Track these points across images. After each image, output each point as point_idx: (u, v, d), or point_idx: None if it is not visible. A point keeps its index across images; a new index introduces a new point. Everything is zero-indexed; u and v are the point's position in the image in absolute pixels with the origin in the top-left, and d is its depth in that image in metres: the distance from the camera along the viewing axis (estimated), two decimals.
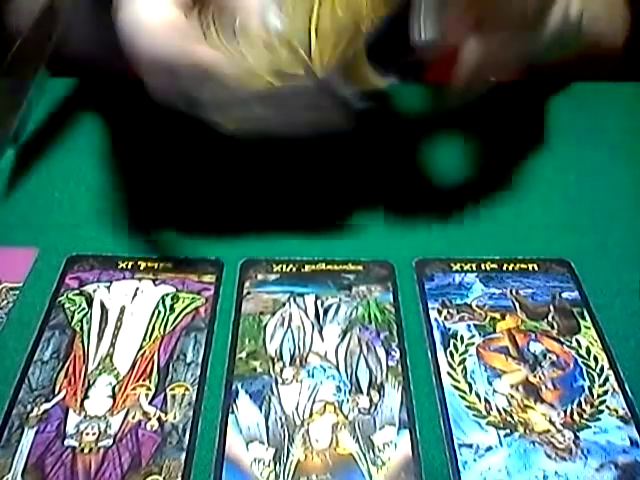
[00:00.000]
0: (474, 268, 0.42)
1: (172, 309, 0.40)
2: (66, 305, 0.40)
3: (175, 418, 0.34)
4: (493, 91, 0.57)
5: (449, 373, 0.37)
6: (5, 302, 0.40)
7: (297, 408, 0.35)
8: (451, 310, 0.40)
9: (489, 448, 0.33)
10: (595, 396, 0.36)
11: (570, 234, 0.45)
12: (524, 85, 0.58)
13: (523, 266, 0.43)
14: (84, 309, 0.40)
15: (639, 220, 0.47)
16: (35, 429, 0.34)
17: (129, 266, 0.42)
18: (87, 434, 0.34)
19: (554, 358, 0.37)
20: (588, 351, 0.38)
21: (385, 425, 0.34)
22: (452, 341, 0.38)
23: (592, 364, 0.37)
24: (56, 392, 0.35)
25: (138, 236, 0.44)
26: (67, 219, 0.46)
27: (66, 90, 0.58)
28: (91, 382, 0.36)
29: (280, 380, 0.36)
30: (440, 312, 0.40)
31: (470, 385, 0.36)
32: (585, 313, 0.40)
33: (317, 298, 0.40)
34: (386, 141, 0.53)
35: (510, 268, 0.43)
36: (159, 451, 0.33)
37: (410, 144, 0.53)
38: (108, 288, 0.41)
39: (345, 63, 0.35)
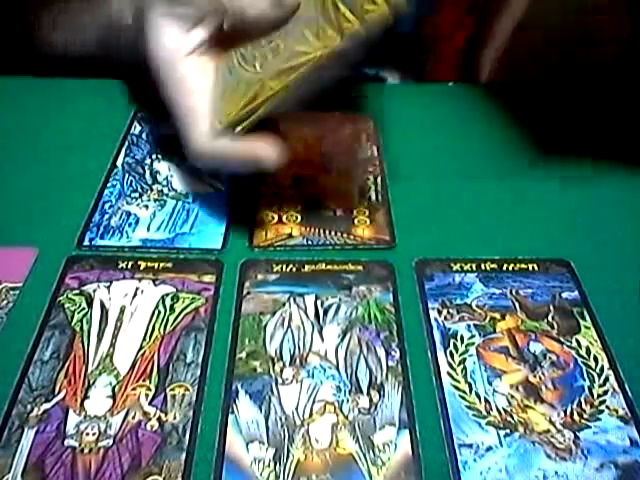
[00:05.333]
0: (474, 268, 0.42)
1: (172, 309, 0.40)
2: (66, 305, 0.40)
3: (175, 418, 0.34)
4: (493, 92, 0.57)
5: (449, 373, 0.37)
6: (5, 302, 0.40)
7: (297, 408, 0.35)
8: (451, 310, 0.40)
9: (489, 448, 0.33)
10: (595, 396, 0.36)
11: (570, 234, 0.45)
12: (524, 85, 0.58)
13: (523, 266, 0.43)
14: (84, 309, 0.40)
15: (639, 220, 0.47)
16: (35, 429, 0.34)
17: (129, 266, 0.42)
18: (87, 434, 0.34)
19: (554, 358, 0.37)
20: (588, 351, 0.38)
21: (385, 425, 0.34)
22: (452, 341, 0.38)
23: (592, 364, 0.37)
24: (56, 392, 0.35)
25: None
26: (67, 219, 0.46)
27: (68, 91, 0.58)
28: (91, 382, 0.36)
29: (280, 380, 0.36)
30: (440, 312, 0.40)
31: (470, 385, 0.36)
32: (585, 313, 0.40)
33: (317, 298, 0.40)
34: (388, 141, 0.53)
35: (510, 268, 0.43)
36: (159, 451, 0.33)
37: (411, 144, 0.53)
38: (108, 288, 0.41)
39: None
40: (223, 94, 0.38)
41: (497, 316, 0.40)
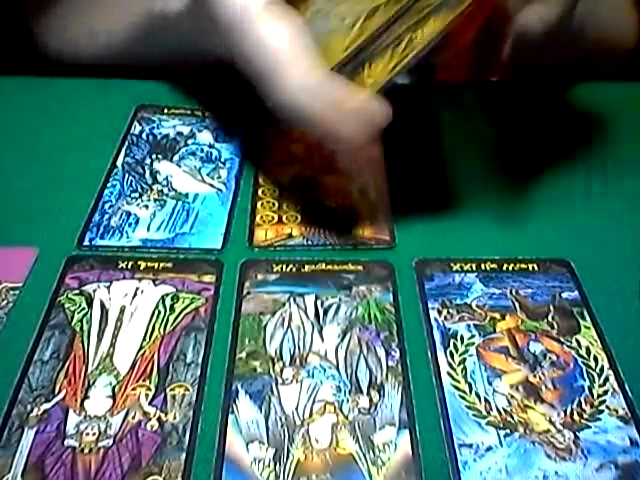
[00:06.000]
0: (474, 268, 0.42)
1: (172, 309, 0.40)
2: (66, 305, 0.40)
3: (175, 418, 0.34)
4: (496, 92, 0.57)
5: (449, 373, 0.37)
6: (5, 302, 0.40)
7: (297, 408, 0.35)
8: (451, 310, 0.40)
9: (489, 448, 0.33)
10: (595, 396, 0.36)
11: (570, 234, 0.45)
12: (527, 85, 0.58)
13: (523, 266, 0.43)
14: (84, 309, 0.40)
15: (639, 221, 0.47)
16: (35, 429, 0.34)
17: (129, 266, 0.42)
18: (87, 434, 0.34)
19: (554, 358, 0.37)
20: (588, 351, 0.38)
21: (385, 425, 0.34)
22: (452, 341, 0.38)
23: (592, 364, 0.37)
24: (56, 392, 0.35)
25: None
26: (67, 219, 0.46)
27: (67, 91, 0.58)
28: (91, 382, 0.36)
29: (280, 380, 0.36)
30: (440, 312, 0.40)
31: (470, 385, 0.36)
32: (585, 313, 0.40)
33: (317, 298, 0.40)
34: (388, 141, 0.53)
35: (510, 268, 0.43)
36: (159, 451, 0.33)
37: (411, 144, 0.53)
38: (108, 288, 0.41)
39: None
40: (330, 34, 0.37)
41: (497, 316, 0.40)
